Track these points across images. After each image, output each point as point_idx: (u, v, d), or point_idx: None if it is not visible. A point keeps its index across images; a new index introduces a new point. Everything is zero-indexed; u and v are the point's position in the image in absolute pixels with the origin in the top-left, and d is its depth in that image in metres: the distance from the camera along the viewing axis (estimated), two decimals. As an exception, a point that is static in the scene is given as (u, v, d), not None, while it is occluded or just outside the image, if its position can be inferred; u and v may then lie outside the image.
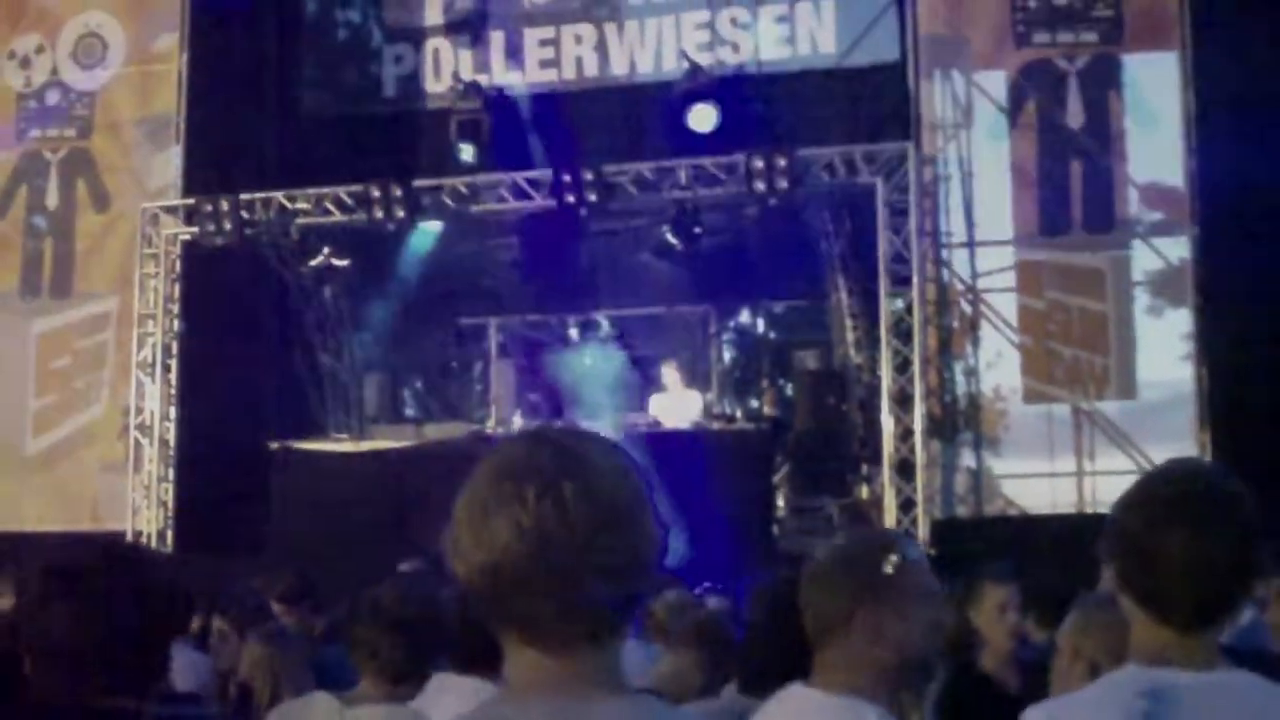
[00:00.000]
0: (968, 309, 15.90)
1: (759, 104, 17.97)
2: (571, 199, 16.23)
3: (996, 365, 15.79)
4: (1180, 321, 15.47)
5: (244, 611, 8.47)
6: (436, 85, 19.12)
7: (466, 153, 17.97)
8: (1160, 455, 14.97)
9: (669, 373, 16.69)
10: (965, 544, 15.19)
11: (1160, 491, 3.32)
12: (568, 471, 2.54)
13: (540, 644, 2.55)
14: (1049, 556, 14.54)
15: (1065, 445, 15.50)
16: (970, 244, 15.98)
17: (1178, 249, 15.54)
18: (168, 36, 18.40)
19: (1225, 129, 15.51)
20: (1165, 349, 15.48)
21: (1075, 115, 15.96)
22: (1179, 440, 15.03)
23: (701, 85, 17.31)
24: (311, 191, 17.17)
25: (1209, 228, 15.45)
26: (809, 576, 3.63)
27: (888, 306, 15.61)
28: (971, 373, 15.81)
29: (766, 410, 18.42)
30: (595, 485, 2.54)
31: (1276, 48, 15.32)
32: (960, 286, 15.95)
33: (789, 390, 18.56)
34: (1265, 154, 14.99)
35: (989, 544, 15.19)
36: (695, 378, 17.73)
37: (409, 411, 19.11)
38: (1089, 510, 15.28)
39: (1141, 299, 15.60)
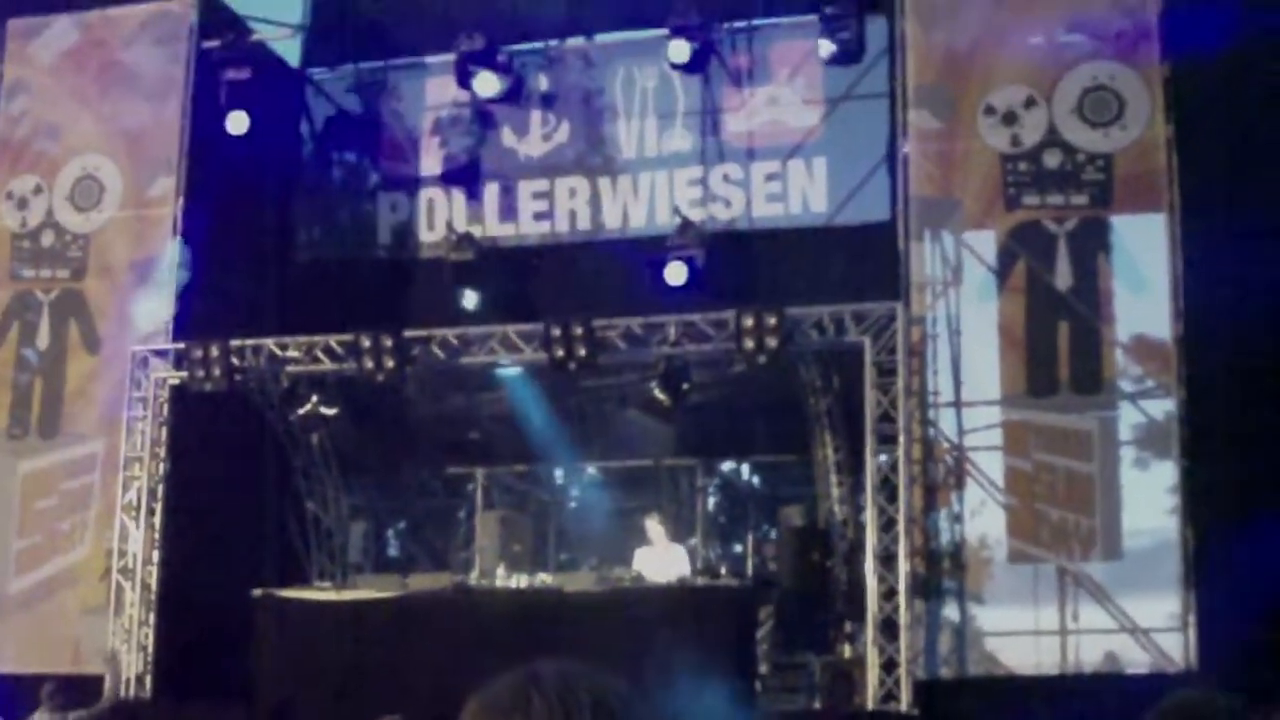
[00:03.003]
0: (953, 468, 15.89)
1: (749, 260, 18.13)
2: (561, 353, 16.27)
3: (981, 514, 15.76)
4: (1166, 474, 15.49)
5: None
6: (430, 235, 19.31)
7: (469, 300, 18.11)
8: (1144, 611, 15.05)
9: (653, 527, 16.68)
10: (949, 706, 15.14)
11: None
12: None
13: None
14: (1033, 718, 14.62)
15: (1049, 601, 15.46)
16: (957, 403, 16.01)
17: (1164, 407, 15.57)
18: (164, 181, 18.55)
19: (1212, 289, 15.61)
20: (1151, 501, 15.49)
21: (1064, 276, 16.06)
22: (1163, 594, 15.04)
23: (691, 241, 17.49)
24: (302, 339, 17.21)
25: (1196, 387, 15.50)
26: None
27: (873, 465, 15.62)
28: (956, 520, 15.78)
29: (751, 561, 18.37)
30: None
31: (1262, 209, 15.47)
32: (946, 445, 15.96)
33: (773, 536, 18.53)
34: (1251, 314, 15.11)
35: (973, 706, 15.16)
36: (680, 529, 17.70)
37: (393, 553, 19.08)
38: (1071, 671, 15.24)
39: (1128, 453, 15.61)
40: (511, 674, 2.66)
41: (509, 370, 17.33)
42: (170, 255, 18.25)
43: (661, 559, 16.33)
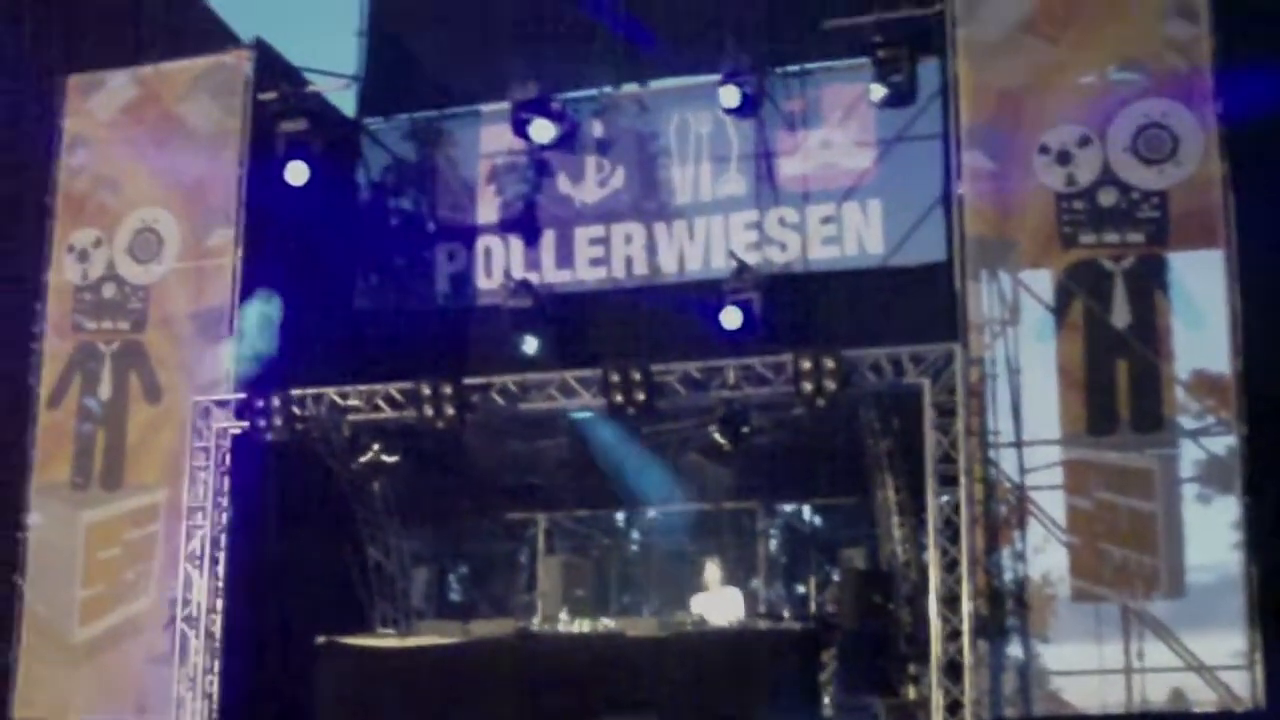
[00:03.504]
0: (1015, 507, 15.87)
1: (806, 303, 18.17)
2: (620, 398, 16.33)
3: (1044, 553, 15.72)
4: (1229, 509, 15.39)
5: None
6: (488, 282, 19.41)
7: (530, 346, 18.20)
8: (1209, 648, 14.99)
9: (711, 570, 16.71)
10: (1015, 747, 15.13)
11: None
12: None
13: None
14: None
15: (1114, 639, 15.39)
16: (1018, 443, 15.99)
17: (1226, 443, 15.52)
18: (222, 232, 18.71)
19: (1271, 324, 15.60)
20: (1214, 537, 15.37)
21: (1122, 314, 16.03)
22: (1228, 631, 14.99)
23: (748, 284, 17.56)
24: (363, 388, 17.31)
25: (1257, 421, 15.46)
26: None
27: (935, 506, 15.62)
28: (1019, 560, 15.75)
29: (813, 603, 18.36)
30: None
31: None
32: (1008, 485, 15.94)
33: (835, 578, 18.53)
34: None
35: (1039, 747, 15.14)
36: (742, 571, 17.70)
37: (455, 599, 19.13)
38: (1138, 709, 15.18)
39: (1190, 490, 15.55)
40: None
41: (582, 414, 17.36)
42: (230, 305, 18.40)
43: (718, 603, 16.35)
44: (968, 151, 16.71)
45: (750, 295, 17.63)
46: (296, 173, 18.51)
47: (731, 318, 17.51)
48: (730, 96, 18.03)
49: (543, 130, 18.69)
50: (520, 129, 18.76)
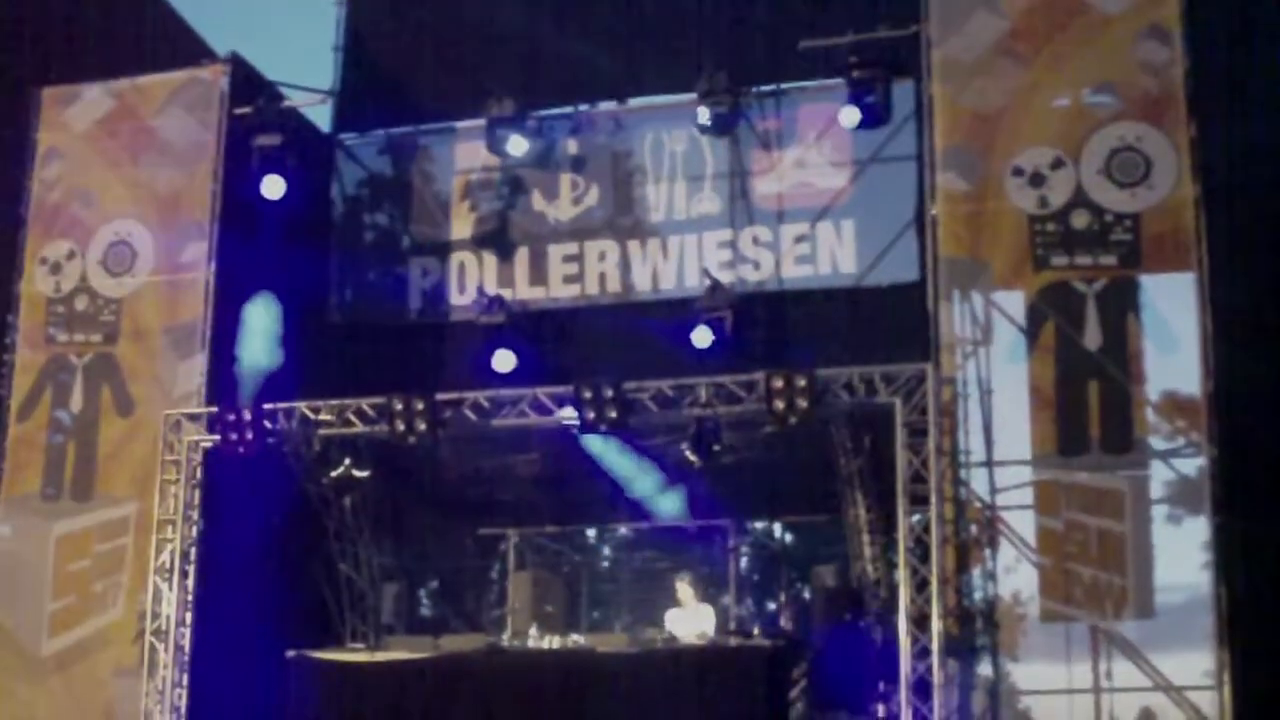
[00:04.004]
0: (986, 527, 15.91)
1: (779, 322, 18.21)
2: (592, 415, 16.34)
3: (1014, 572, 15.77)
4: (1199, 530, 15.44)
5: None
6: (461, 298, 19.42)
7: (506, 361, 18.20)
8: (1178, 669, 15.04)
9: (683, 588, 16.70)
10: (984, 766, 15.15)
11: None
12: None
13: None
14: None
15: (1083, 659, 15.42)
16: (989, 463, 16.03)
17: (1196, 464, 15.58)
18: (196, 246, 18.69)
19: (1242, 347, 15.68)
20: (1184, 557, 15.42)
21: (1093, 336, 16.08)
22: (1197, 652, 15.04)
23: (721, 303, 17.59)
24: (334, 403, 17.30)
25: (1227, 443, 15.52)
26: None
27: (905, 525, 15.64)
28: (990, 579, 15.78)
29: (784, 620, 18.37)
30: None
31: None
32: (978, 505, 15.98)
33: (806, 596, 18.55)
34: (1282, 370, 15.20)
35: (1008, 766, 15.17)
36: (713, 588, 17.71)
37: (425, 614, 19.12)
38: (1107, 731, 15.26)
39: (1160, 511, 15.60)
40: None
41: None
42: (203, 320, 18.40)
43: (690, 619, 16.35)
44: (941, 173, 16.77)
45: (723, 314, 17.67)
46: (273, 186, 18.50)
47: (704, 336, 17.57)
48: (706, 115, 18.12)
49: (517, 145, 18.72)
50: (495, 145, 18.80)
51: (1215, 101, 16.35)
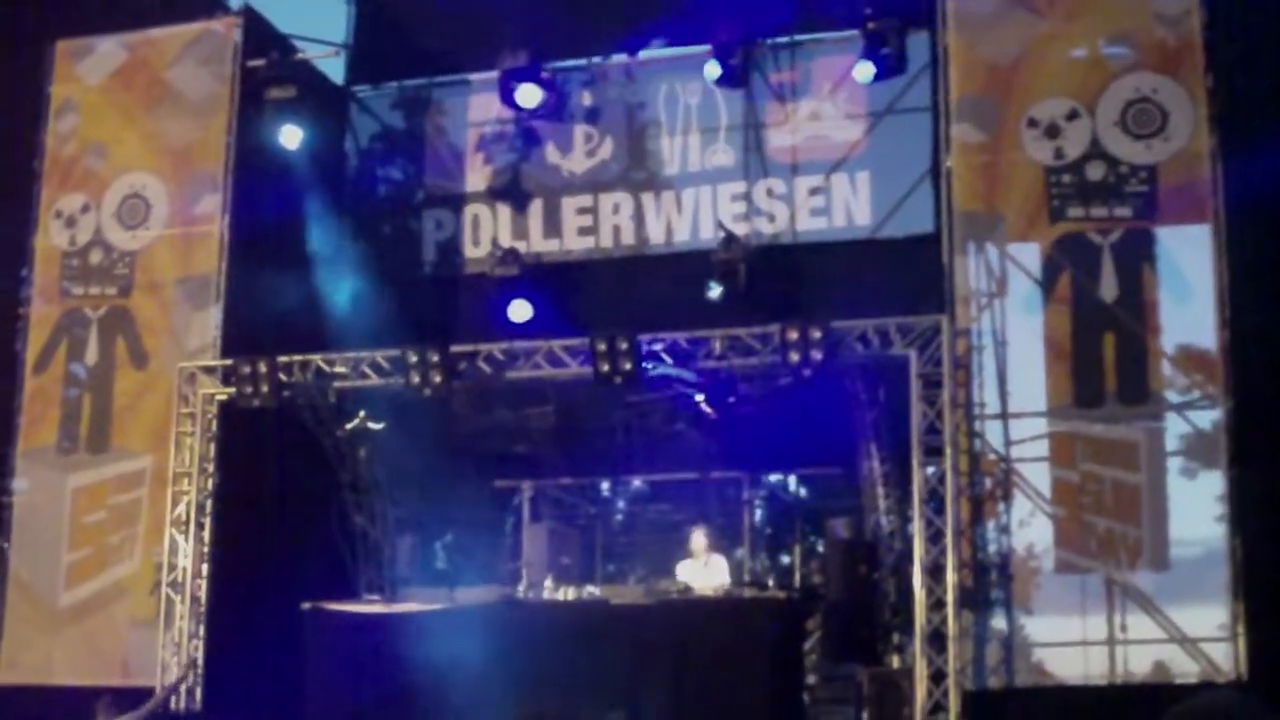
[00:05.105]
0: (1000, 479, 15.92)
1: (794, 274, 18.18)
2: (606, 368, 16.33)
3: (1029, 525, 15.78)
4: (1213, 484, 15.47)
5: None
6: (475, 251, 19.40)
7: (522, 311, 18.20)
8: (1193, 621, 15.05)
9: (697, 539, 16.67)
10: (997, 716, 15.17)
11: None
12: None
13: None
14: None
15: (1097, 611, 15.46)
16: (1003, 415, 16.03)
17: (1211, 417, 15.58)
18: (210, 199, 18.69)
19: (1258, 299, 15.64)
20: (1199, 510, 15.46)
21: (1109, 288, 16.06)
22: (1212, 604, 15.06)
23: (735, 255, 17.57)
24: (349, 355, 17.33)
25: (1243, 396, 15.51)
26: None
27: (920, 477, 15.65)
28: (1004, 532, 15.80)
29: (798, 573, 18.39)
30: None
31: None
32: (993, 457, 15.98)
33: (820, 549, 18.56)
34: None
35: (1022, 716, 15.19)
36: (727, 541, 17.72)
37: (440, 566, 19.13)
38: (1120, 681, 15.25)
39: (1175, 464, 15.61)
40: None
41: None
42: (217, 272, 18.41)
43: (704, 570, 16.36)
44: (956, 124, 16.73)
45: (738, 266, 17.65)
46: (291, 136, 18.48)
47: (720, 288, 17.53)
48: (720, 67, 18.06)
49: (529, 95, 18.63)
50: (509, 97, 18.75)
51: (1232, 53, 16.27)
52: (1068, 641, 15.48)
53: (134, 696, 16.26)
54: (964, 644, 15.39)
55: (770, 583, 17.19)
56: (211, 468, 17.57)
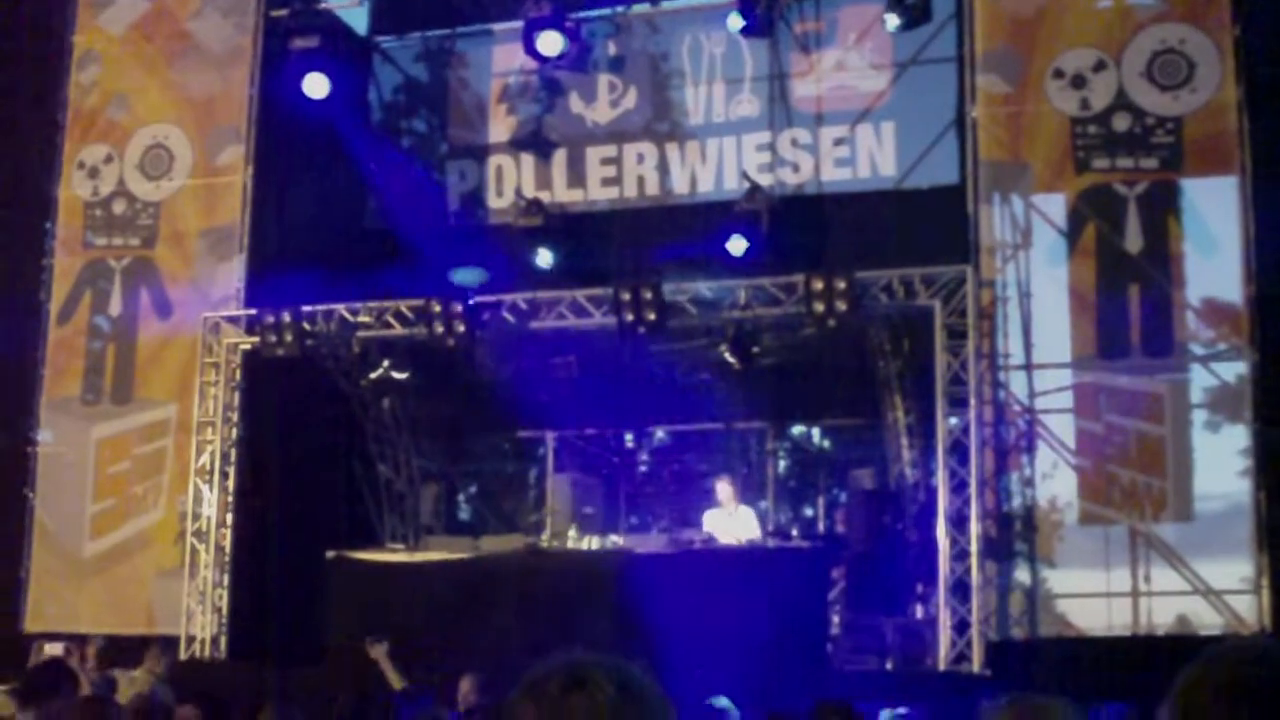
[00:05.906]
0: (1025, 430, 15.91)
1: (818, 225, 18.14)
2: (630, 317, 16.32)
3: (1052, 476, 15.78)
4: (1238, 437, 15.46)
5: None
6: (499, 201, 19.36)
7: (544, 259, 18.19)
8: (1216, 573, 15.04)
9: (723, 489, 16.66)
10: (1021, 666, 15.17)
11: (1222, 676, 3.16)
12: None
13: None
14: (1105, 679, 14.62)
15: (1121, 563, 15.46)
16: (1028, 366, 16.01)
17: (1236, 370, 15.54)
18: (233, 149, 18.69)
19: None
20: (1223, 464, 15.46)
21: (1134, 239, 16.02)
22: (1235, 557, 15.05)
23: (760, 205, 17.52)
24: (373, 305, 17.34)
25: (1268, 349, 15.47)
26: None
27: (944, 428, 15.65)
28: (1028, 483, 15.80)
29: (822, 523, 18.41)
30: None
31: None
32: (1017, 408, 15.97)
33: (844, 499, 18.59)
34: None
35: (1045, 666, 15.19)
36: (751, 492, 17.74)
37: (464, 516, 19.20)
38: (1144, 632, 15.26)
39: (1199, 416, 15.59)
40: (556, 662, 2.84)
41: None
42: (241, 223, 18.41)
43: (730, 521, 16.36)
44: (982, 75, 16.67)
45: (762, 216, 17.60)
46: (316, 85, 18.23)
47: (744, 238, 17.48)
48: (745, 17, 17.95)
49: (552, 43, 18.43)
50: (532, 47, 18.67)
51: (1259, 3, 16.17)
52: (1091, 593, 15.49)
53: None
54: (987, 594, 15.42)
55: (794, 533, 17.20)
56: (235, 417, 17.61)
